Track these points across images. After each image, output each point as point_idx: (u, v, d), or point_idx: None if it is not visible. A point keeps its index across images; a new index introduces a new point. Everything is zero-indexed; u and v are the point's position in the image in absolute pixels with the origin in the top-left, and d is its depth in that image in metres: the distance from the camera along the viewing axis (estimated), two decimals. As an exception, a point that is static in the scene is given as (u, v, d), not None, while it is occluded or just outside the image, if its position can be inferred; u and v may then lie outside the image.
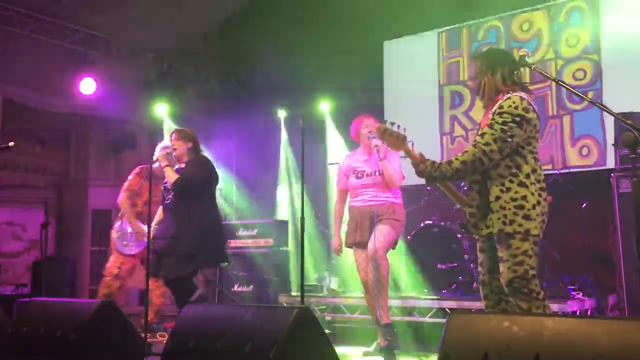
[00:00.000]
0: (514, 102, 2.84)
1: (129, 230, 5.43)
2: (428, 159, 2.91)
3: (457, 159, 2.87)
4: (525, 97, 2.89)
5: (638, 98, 5.27)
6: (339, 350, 2.43)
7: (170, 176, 4.57)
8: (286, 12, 7.69)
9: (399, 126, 2.97)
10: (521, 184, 2.83)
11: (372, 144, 4.36)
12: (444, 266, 5.53)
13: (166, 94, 7.86)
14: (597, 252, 5.32)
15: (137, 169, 5.58)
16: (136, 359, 3.44)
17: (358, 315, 5.54)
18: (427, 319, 5.11)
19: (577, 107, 6.02)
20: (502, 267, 2.84)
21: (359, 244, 4.43)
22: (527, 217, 2.80)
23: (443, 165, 2.87)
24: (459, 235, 5.56)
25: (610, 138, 5.45)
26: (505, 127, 2.80)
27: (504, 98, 2.89)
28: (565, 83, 2.94)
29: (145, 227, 5.14)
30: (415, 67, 7.11)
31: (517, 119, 2.81)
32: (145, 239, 4.92)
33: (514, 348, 1.74)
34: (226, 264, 5.14)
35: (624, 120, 2.70)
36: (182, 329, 2.61)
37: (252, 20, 8.01)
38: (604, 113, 5.36)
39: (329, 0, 7.28)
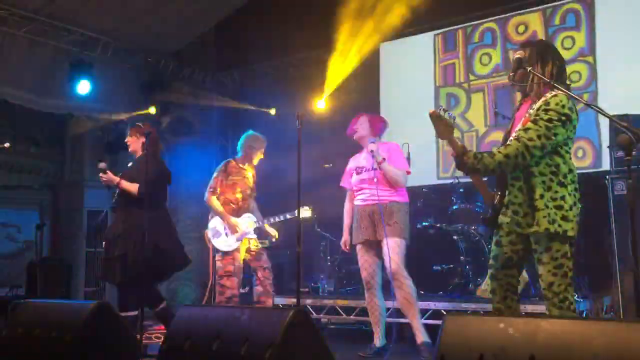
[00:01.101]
0: (561, 101, 2.79)
1: (224, 227, 5.08)
2: (470, 151, 2.84)
3: (499, 152, 2.80)
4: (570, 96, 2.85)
5: (633, 100, 5.29)
6: (335, 352, 2.42)
7: (129, 188, 4.40)
8: (282, 12, 7.69)
9: (450, 114, 2.88)
10: (560, 184, 2.80)
11: (368, 149, 4.41)
12: (439, 268, 5.53)
13: (161, 95, 7.84)
14: (592, 254, 5.32)
15: (221, 166, 5.25)
16: (131, 360, 3.43)
17: (354, 317, 5.53)
18: (422, 321, 5.11)
19: (572, 109, 6.04)
20: (542, 269, 2.81)
21: (362, 243, 4.48)
22: (565, 218, 2.76)
23: (486, 158, 2.80)
24: (454, 237, 5.57)
25: (605, 140, 5.47)
26: (550, 125, 2.76)
27: (551, 95, 2.83)
28: (560, 85, 2.94)
29: (240, 220, 5.09)
30: (411, 69, 7.13)
31: (563, 118, 2.77)
32: (241, 231, 5.01)
33: (509, 349, 1.74)
34: (179, 270, 4.87)
35: (619, 123, 2.71)
36: (177, 331, 2.60)
37: (247, 21, 8.01)
38: (599, 115, 5.37)
39: (324, 1, 7.28)
